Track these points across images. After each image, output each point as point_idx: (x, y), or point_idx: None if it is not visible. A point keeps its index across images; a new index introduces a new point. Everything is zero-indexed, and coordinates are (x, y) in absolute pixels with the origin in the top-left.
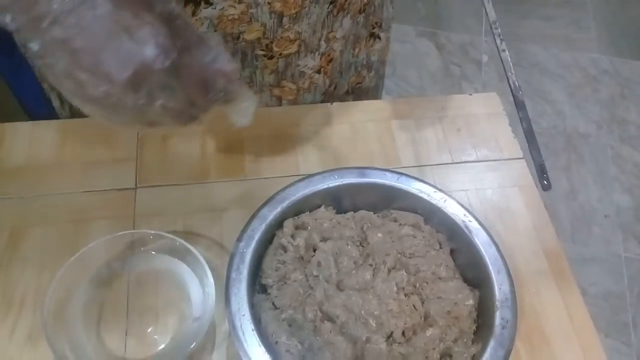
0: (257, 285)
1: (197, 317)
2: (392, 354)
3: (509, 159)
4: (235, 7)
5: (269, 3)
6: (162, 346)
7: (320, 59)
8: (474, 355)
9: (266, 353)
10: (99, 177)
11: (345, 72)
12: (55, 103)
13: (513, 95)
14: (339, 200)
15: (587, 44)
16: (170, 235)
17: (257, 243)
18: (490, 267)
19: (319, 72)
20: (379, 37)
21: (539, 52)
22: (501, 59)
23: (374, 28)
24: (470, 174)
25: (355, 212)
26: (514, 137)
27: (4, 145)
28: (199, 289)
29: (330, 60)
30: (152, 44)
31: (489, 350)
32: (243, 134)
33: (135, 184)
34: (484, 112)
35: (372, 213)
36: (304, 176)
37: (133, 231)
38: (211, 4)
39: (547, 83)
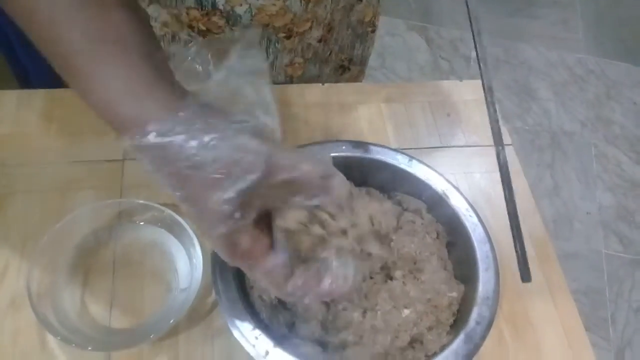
0: None
1: (184, 288)
2: (363, 326)
3: None
4: (275, 4)
5: None
6: (148, 316)
7: (323, 29)
8: (444, 345)
9: (238, 293)
10: (87, 147)
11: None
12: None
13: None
14: (346, 173)
15: (575, 43)
16: (159, 206)
17: None
18: (480, 264)
19: (320, 41)
20: (360, 0)
21: (527, 50)
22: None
23: None
24: (459, 158)
25: (360, 187)
26: (503, 123)
27: None
28: (185, 261)
29: (330, 30)
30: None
31: (456, 341)
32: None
33: (123, 156)
34: (473, 99)
35: (377, 191)
36: (318, 142)
37: (120, 200)
38: None
39: (534, 81)
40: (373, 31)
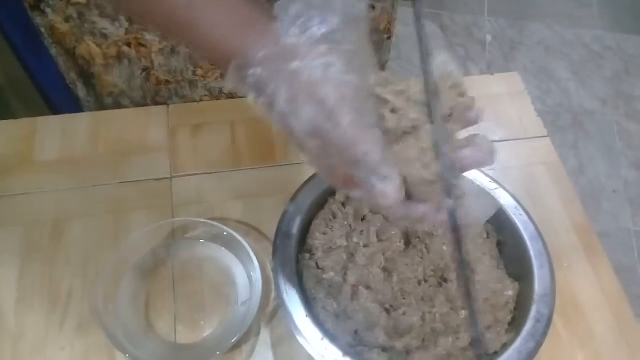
0: (303, 245)
1: (243, 301)
2: (423, 329)
3: (534, 137)
4: None
5: None
6: (211, 330)
7: None
8: (504, 343)
9: (303, 305)
10: (134, 167)
11: None
12: (81, 93)
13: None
14: None
15: (590, 20)
16: (211, 222)
17: (309, 205)
18: (534, 261)
19: None
20: (373, 7)
21: (542, 29)
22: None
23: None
24: (496, 153)
25: None
26: (537, 115)
27: (36, 139)
28: (242, 274)
29: None
30: None
31: (519, 340)
32: (270, 122)
33: (170, 174)
34: (506, 92)
35: None
36: None
37: (180, 219)
38: None
39: (552, 61)
40: (389, 37)
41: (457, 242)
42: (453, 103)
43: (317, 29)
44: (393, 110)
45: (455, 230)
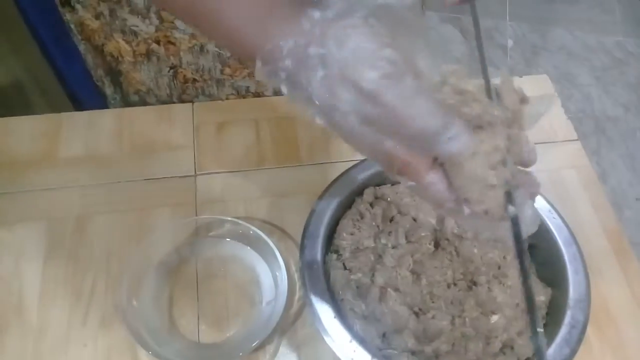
0: (330, 245)
1: (269, 301)
2: (453, 334)
3: (564, 141)
4: None
5: None
6: (235, 330)
7: None
8: None
9: (331, 306)
10: (158, 165)
11: None
12: (109, 90)
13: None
14: None
15: (612, 26)
16: (242, 222)
17: (336, 205)
18: (568, 267)
19: None
20: None
21: (565, 35)
22: None
23: None
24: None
25: None
26: (567, 118)
27: (61, 135)
28: (267, 273)
29: None
30: None
31: (553, 347)
32: (296, 121)
33: (195, 171)
34: (534, 95)
35: None
36: None
37: (204, 217)
38: None
39: (574, 67)
40: None
41: (520, 253)
42: (515, 107)
43: (346, 13)
44: (475, 100)
45: (519, 240)
